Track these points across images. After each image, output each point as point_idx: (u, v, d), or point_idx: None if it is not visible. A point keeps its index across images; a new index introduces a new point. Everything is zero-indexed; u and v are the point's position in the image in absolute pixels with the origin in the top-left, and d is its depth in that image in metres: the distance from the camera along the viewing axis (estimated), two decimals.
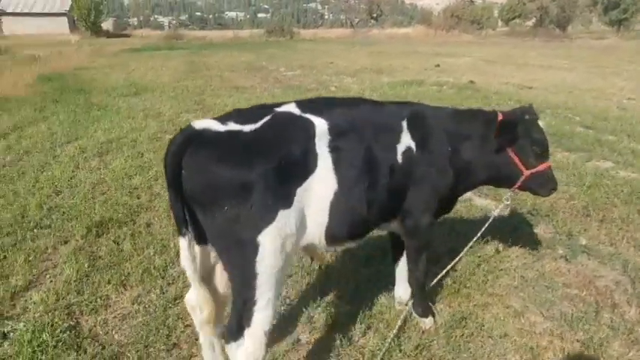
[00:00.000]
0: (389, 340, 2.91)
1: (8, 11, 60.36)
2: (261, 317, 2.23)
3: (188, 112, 10.51)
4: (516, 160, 2.93)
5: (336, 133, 2.41)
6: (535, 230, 4.60)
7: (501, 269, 3.87)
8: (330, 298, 3.51)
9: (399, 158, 2.63)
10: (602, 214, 4.84)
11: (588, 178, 5.75)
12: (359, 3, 60.97)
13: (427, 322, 3.18)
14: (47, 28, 56.06)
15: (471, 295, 3.51)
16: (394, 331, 2.99)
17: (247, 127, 2.20)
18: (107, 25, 69.73)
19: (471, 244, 3.34)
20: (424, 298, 3.16)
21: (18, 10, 60.42)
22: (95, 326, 3.20)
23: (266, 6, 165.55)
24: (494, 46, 32.62)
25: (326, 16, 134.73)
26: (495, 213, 3.38)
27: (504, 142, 2.86)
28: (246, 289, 2.21)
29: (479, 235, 3.30)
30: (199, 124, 2.19)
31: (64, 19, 60.28)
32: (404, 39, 42.88)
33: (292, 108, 2.42)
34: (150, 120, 9.78)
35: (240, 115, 2.29)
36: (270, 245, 2.17)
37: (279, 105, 2.45)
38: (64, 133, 8.42)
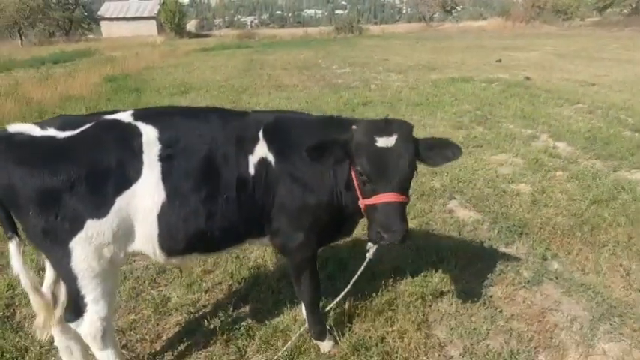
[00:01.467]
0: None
1: (106, 16, 66.60)
2: (94, 309, 2.33)
3: None
4: (356, 185, 2.40)
5: (167, 143, 2.29)
6: (506, 249, 4.09)
7: (443, 291, 3.48)
8: (243, 309, 3.40)
9: (252, 171, 2.44)
10: (595, 235, 4.17)
11: (600, 190, 5.00)
12: None
13: (325, 346, 2.94)
14: (139, 30, 60.84)
15: (393, 319, 3.19)
16: (281, 352, 2.81)
17: (63, 134, 2.17)
18: (191, 26, 74.18)
19: (354, 278, 2.78)
20: (318, 320, 2.91)
21: (114, 15, 66.39)
22: None
23: (344, 2, 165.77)
24: (573, 38, 29.71)
25: (404, 11, 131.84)
26: (370, 254, 2.65)
27: (318, 161, 2.34)
28: (72, 288, 2.29)
29: (360, 270, 2.75)
30: (14, 127, 2.19)
31: (153, 22, 65.04)
32: (477, 33, 40.58)
33: (123, 116, 2.33)
34: None
35: (63, 121, 2.26)
36: (81, 252, 2.18)
37: (112, 112, 2.38)
38: None
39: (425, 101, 10.48)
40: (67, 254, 2.18)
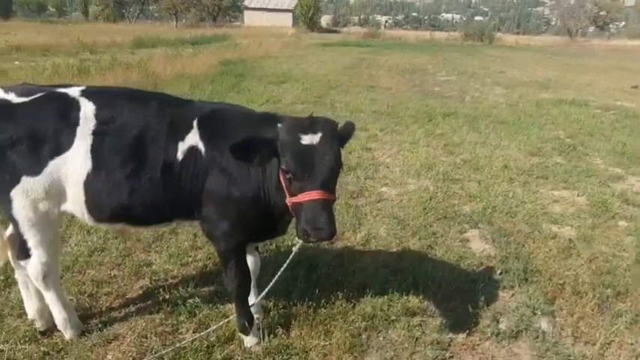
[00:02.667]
0: (185, 342, 2.84)
1: (250, 6, 72.10)
2: (36, 253, 2.67)
3: (302, 104, 11.12)
4: (283, 183, 2.41)
5: (102, 119, 2.49)
6: (501, 292, 3.63)
7: (398, 319, 3.24)
8: (204, 289, 3.54)
9: (180, 156, 2.54)
10: (616, 301, 3.48)
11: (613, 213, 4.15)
12: (584, 10, 52.53)
13: (247, 340, 2.94)
14: (276, 21, 64.77)
15: (329, 334, 3.06)
16: (204, 332, 2.91)
17: (17, 99, 2.48)
18: (325, 21, 76.58)
19: (278, 273, 2.84)
20: (243, 313, 2.91)
21: (257, 6, 71.55)
22: None
23: (486, 8, 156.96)
24: None
25: (553, 22, 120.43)
26: (295, 248, 2.71)
27: (242, 159, 2.35)
28: (17, 232, 2.65)
29: (284, 265, 2.81)
30: None
31: (289, 15, 68.72)
32: (629, 52, 35.52)
33: (72, 91, 2.58)
34: (269, 105, 10.74)
35: (22, 89, 2.58)
36: (19, 202, 2.51)
37: (67, 86, 2.65)
38: None
39: (513, 121, 9.60)
40: (8, 202, 2.53)
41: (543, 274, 3.84)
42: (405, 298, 3.45)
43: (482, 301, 3.45)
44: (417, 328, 3.18)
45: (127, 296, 3.46)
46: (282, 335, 3.03)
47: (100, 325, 3.06)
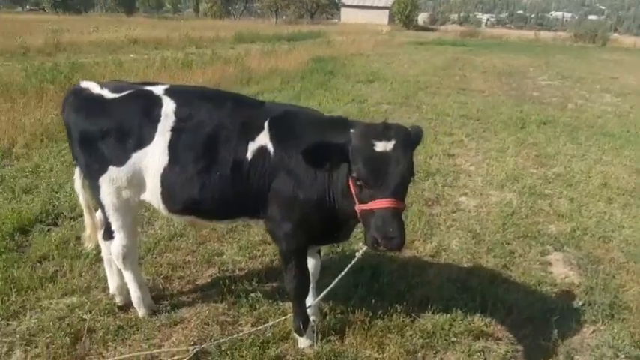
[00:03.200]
0: (242, 335, 2.96)
1: (347, 3, 72.55)
2: (118, 237, 2.96)
3: (389, 104, 10.98)
4: (353, 189, 2.38)
5: (181, 117, 2.66)
6: (578, 327, 3.28)
7: (458, 341, 3.07)
8: (267, 285, 3.65)
9: (249, 155, 2.63)
10: None
11: None
12: None
13: (301, 342, 2.98)
14: (372, 19, 64.49)
15: (384, 347, 2.99)
16: (260, 327, 3.02)
17: (111, 95, 2.73)
18: (422, 19, 74.65)
19: (341, 275, 2.83)
20: (299, 314, 2.95)
21: (354, 3, 71.78)
22: None
23: (602, 7, 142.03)
24: None
25: None
26: (359, 254, 2.69)
27: (313, 165, 2.37)
28: (104, 215, 2.95)
29: (346, 269, 2.81)
30: (84, 83, 2.86)
31: (386, 13, 68.04)
32: None
33: (157, 89, 2.77)
34: (354, 104, 10.76)
35: (115, 85, 2.83)
36: (106, 189, 2.79)
37: (153, 84, 2.85)
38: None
39: (620, 133, 8.62)
40: (97, 188, 2.82)
41: (633, 312, 3.41)
42: (470, 318, 3.27)
43: (557, 333, 3.14)
44: (479, 353, 3.00)
45: (197, 282, 3.68)
46: (336, 341, 3.03)
47: (169, 307, 3.30)
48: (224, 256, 4.03)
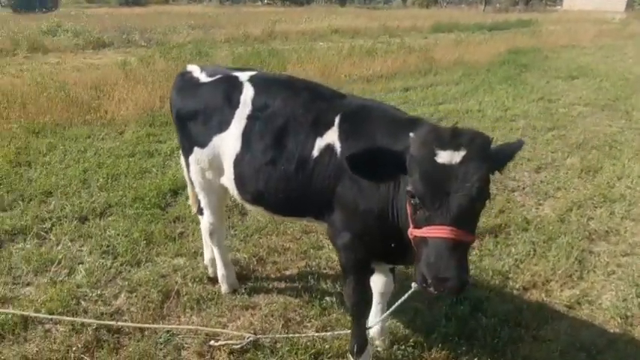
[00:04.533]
0: (300, 336, 2.82)
1: None
2: (206, 214, 3.18)
3: (585, 106, 9.19)
4: (408, 208, 1.92)
5: (257, 106, 2.58)
6: None
7: None
8: None
9: (315, 153, 2.40)
10: None
11: None
12: None
13: None
14: (603, 5, 54.57)
15: None
16: (321, 334, 2.86)
17: (205, 79, 2.82)
18: None
19: (396, 304, 2.42)
20: (357, 334, 2.62)
21: None
22: None
23: None
24: None
25: None
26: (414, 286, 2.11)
27: (358, 173, 1.97)
28: (196, 191, 3.14)
29: (403, 298, 2.39)
30: (190, 67, 3.02)
31: None
32: None
33: (243, 75, 2.75)
34: (540, 103, 9.37)
35: (213, 70, 2.90)
36: (194, 167, 2.95)
37: (244, 70, 2.85)
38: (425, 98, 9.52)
39: None
40: (188, 166, 3.01)
41: None
42: None
43: None
44: None
45: (286, 272, 3.68)
46: None
47: (249, 290, 3.37)
48: (321, 251, 3.93)
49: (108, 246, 3.87)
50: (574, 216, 4.65)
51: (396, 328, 3.03)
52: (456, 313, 3.14)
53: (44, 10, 29.69)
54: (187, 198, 3.84)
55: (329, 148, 2.40)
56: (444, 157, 1.77)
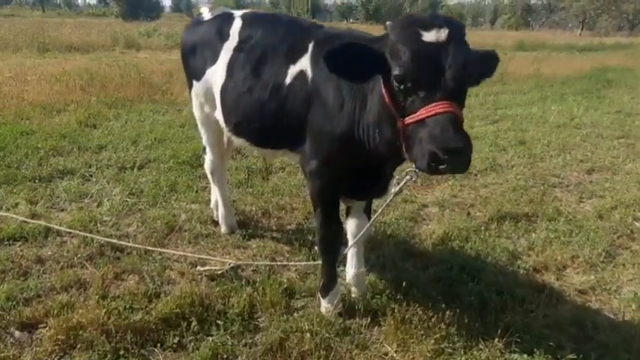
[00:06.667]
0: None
1: None
2: (208, 151, 3.37)
3: None
4: (391, 103, 1.89)
5: (242, 37, 2.72)
6: None
7: None
8: None
9: (288, 80, 2.45)
10: None
11: None
12: None
13: (323, 304, 2.65)
14: None
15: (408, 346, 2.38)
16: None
17: (208, 17, 3.02)
18: None
19: (380, 210, 2.52)
20: (326, 271, 2.60)
21: None
22: None
23: None
24: None
25: None
26: (395, 189, 2.24)
27: (337, 72, 1.99)
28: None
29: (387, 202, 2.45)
30: (202, 9, 3.24)
31: None
32: None
33: (238, 12, 2.93)
34: (615, 115, 8.60)
35: (219, 10, 3.07)
36: (195, 101, 3.16)
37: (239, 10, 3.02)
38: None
39: None
40: (190, 101, 3.23)
41: None
42: None
43: None
44: None
45: (287, 226, 3.76)
46: (361, 324, 2.58)
47: (246, 235, 3.51)
48: None
49: (136, 189, 4.22)
50: (617, 214, 4.24)
51: (375, 282, 2.97)
52: (446, 277, 3.02)
53: (149, 18, 32.97)
54: None
55: (301, 75, 2.44)
56: (430, 36, 1.78)
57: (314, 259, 3.15)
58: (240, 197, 4.19)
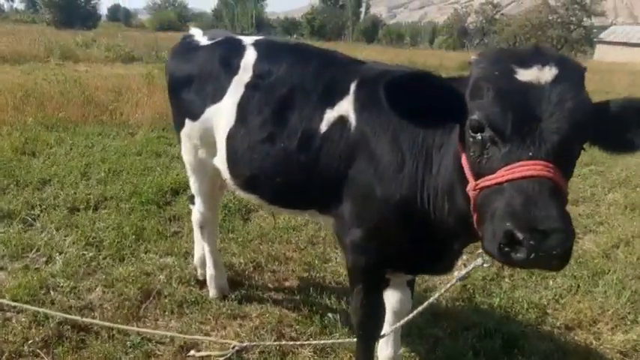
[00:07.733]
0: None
1: (606, 40, 62.62)
2: (197, 202, 2.81)
3: None
4: (466, 159, 1.41)
5: (259, 72, 2.19)
6: None
7: None
8: None
9: (324, 127, 1.96)
10: None
11: None
12: None
13: None
14: (635, 57, 54.19)
15: None
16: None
17: (205, 42, 2.47)
18: None
19: (433, 298, 1.95)
20: (363, 357, 2.14)
21: (616, 40, 61.43)
22: None
23: None
24: None
25: None
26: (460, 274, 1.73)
27: (399, 111, 1.47)
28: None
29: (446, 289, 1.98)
30: (193, 30, 2.69)
31: None
32: None
33: (248, 38, 2.37)
34: None
35: (215, 33, 2.58)
36: (185, 144, 2.59)
37: (248, 35, 2.48)
38: None
39: None
40: (180, 143, 2.63)
41: None
42: None
43: None
44: None
45: (286, 282, 3.23)
46: None
47: (240, 297, 2.92)
48: (328, 264, 3.47)
49: (94, 238, 3.50)
50: (621, 253, 4.10)
51: (410, 358, 2.52)
52: (485, 347, 2.62)
53: (85, 27, 30.98)
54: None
55: (341, 121, 1.95)
56: (527, 74, 1.29)
57: (328, 331, 2.64)
58: (223, 245, 3.57)
